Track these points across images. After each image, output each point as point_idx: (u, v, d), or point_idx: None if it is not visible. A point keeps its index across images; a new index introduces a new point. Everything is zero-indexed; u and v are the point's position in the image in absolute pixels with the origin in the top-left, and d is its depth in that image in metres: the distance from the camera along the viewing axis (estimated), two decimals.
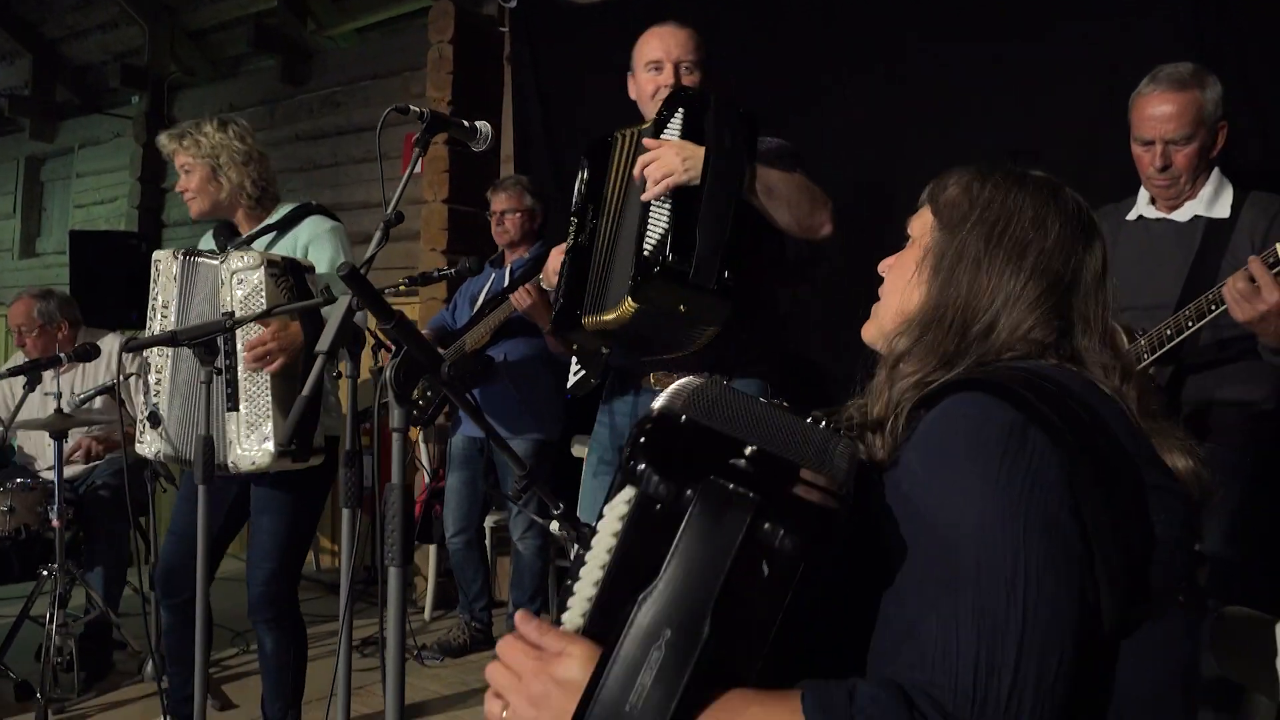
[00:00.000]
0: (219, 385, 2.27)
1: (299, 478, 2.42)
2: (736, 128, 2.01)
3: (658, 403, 0.95)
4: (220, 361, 2.07)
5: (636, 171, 2.01)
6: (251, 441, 2.26)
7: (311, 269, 2.40)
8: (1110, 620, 0.84)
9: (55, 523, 3.12)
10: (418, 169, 4.53)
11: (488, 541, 3.91)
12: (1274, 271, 1.80)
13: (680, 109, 2.07)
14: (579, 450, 3.63)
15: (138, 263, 6.10)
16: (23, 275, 7.90)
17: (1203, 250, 2.08)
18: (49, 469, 3.23)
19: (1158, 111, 2.06)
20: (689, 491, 0.85)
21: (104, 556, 3.43)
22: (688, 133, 2.01)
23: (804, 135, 3.24)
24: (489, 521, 3.88)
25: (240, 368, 2.29)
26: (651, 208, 2.00)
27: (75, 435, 3.48)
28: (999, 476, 0.84)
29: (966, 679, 0.79)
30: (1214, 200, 2.11)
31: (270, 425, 2.25)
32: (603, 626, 0.87)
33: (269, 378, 2.27)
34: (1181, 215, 2.15)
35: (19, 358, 3.85)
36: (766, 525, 0.83)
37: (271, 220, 2.57)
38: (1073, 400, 0.92)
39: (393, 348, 1.32)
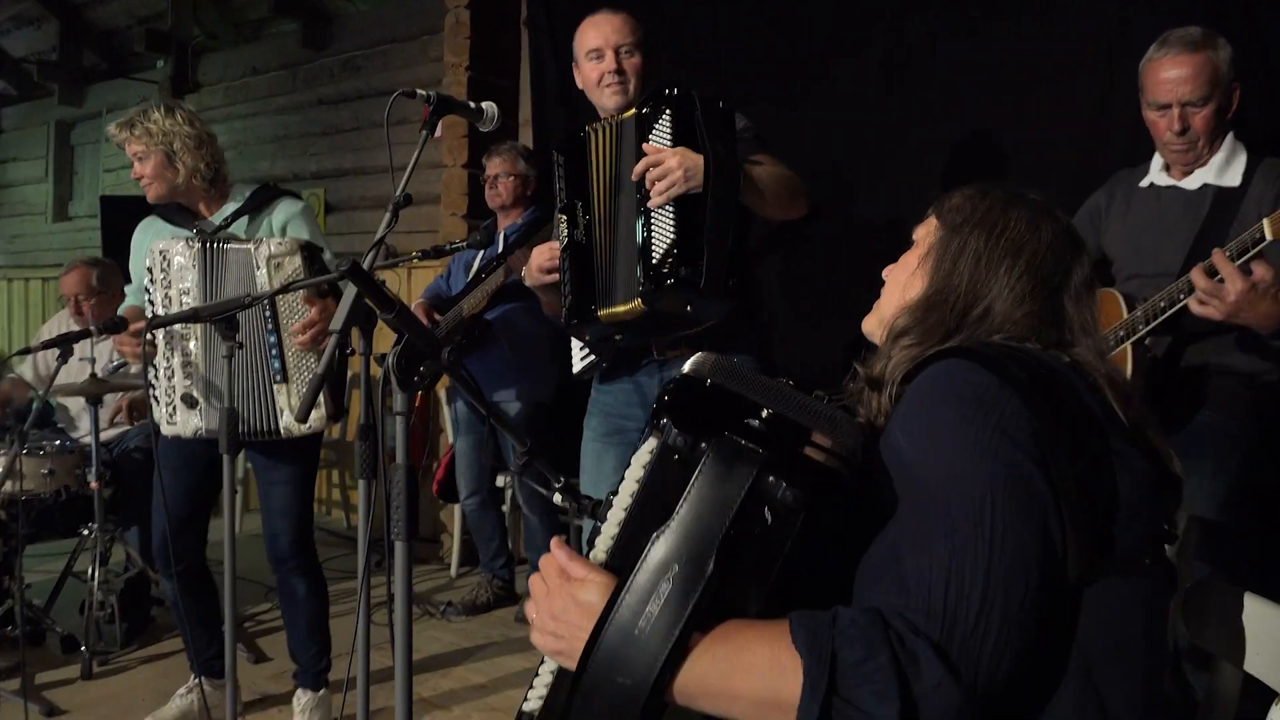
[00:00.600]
0: (264, 358, 2.43)
1: (299, 439, 2.55)
2: (724, 130, 2.09)
3: (686, 366, 1.06)
4: (240, 337, 2.16)
5: (636, 172, 2.08)
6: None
7: (323, 249, 2.51)
8: (1076, 567, 0.91)
9: (93, 485, 3.24)
10: (436, 136, 4.58)
11: (506, 502, 4.00)
12: (1238, 262, 1.79)
13: (667, 109, 2.12)
14: None
15: None
16: (56, 238, 8.07)
17: (1209, 219, 2.06)
18: (87, 435, 3.35)
19: (1172, 74, 2.03)
20: (704, 444, 0.95)
21: (140, 516, 3.56)
22: (680, 136, 2.08)
23: (802, 116, 3.28)
24: (504, 481, 3.97)
25: (286, 343, 2.43)
26: (654, 212, 2.08)
27: (113, 398, 3.60)
28: (971, 427, 0.93)
29: (938, 602, 0.87)
30: (1225, 167, 2.08)
31: (321, 395, 2.40)
32: (622, 561, 0.99)
33: (315, 352, 2.43)
34: (1191, 183, 2.12)
35: (60, 319, 3.98)
36: (771, 478, 0.92)
37: (238, 203, 2.63)
38: (1047, 372, 1.00)
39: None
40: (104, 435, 3.51)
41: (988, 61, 2.96)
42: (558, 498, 1.47)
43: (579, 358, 2.47)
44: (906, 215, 1.29)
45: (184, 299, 2.48)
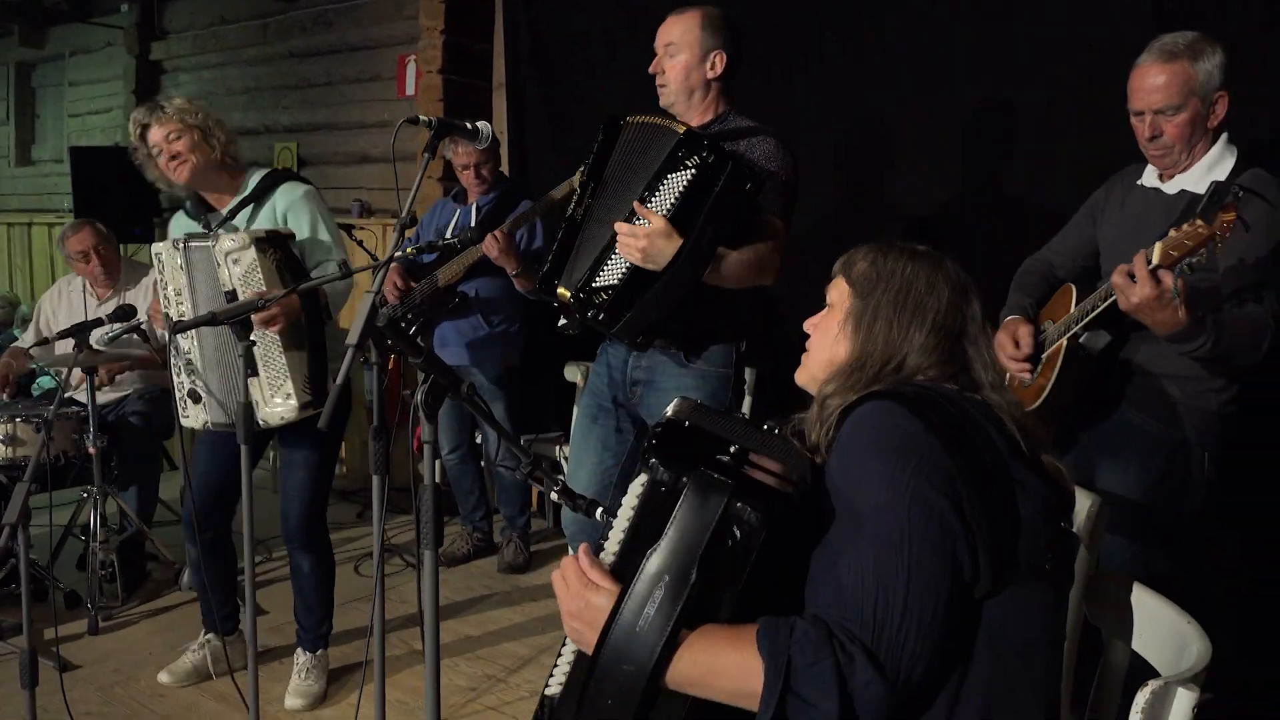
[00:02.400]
0: (234, 354, 2.51)
1: (318, 430, 2.68)
2: (729, 211, 2.19)
3: (669, 411, 1.36)
4: (254, 334, 2.29)
5: (616, 226, 2.22)
6: (277, 400, 2.57)
7: (293, 236, 2.60)
8: (986, 583, 1.14)
9: (91, 450, 3.39)
10: (411, 94, 4.64)
11: (485, 457, 4.19)
12: (1151, 268, 1.89)
13: (693, 169, 2.16)
14: (571, 374, 3.91)
15: (139, 178, 6.23)
16: (21, 183, 8.01)
17: (1177, 225, 2.04)
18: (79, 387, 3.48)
19: (1146, 83, 2.08)
20: (684, 479, 1.20)
21: (137, 477, 3.73)
22: (679, 208, 2.16)
23: (800, 86, 3.44)
24: (483, 437, 4.17)
25: (255, 337, 2.51)
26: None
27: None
28: (896, 471, 1.14)
29: (869, 613, 1.10)
30: (1206, 174, 2.10)
31: (290, 384, 2.55)
32: (623, 569, 1.24)
33: (280, 345, 2.53)
34: (1170, 188, 2.17)
35: (61, 288, 4.09)
36: (739, 504, 1.17)
37: (246, 190, 2.73)
38: (961, 415, 1.22)
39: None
40: (102, 399, 3.66)
41: (971, 30, 3.13)
42: (554, 496, 1.68)
43: (560, 320, 2.62)
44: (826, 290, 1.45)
45: (178, 300, 2.60)
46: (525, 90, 4.51)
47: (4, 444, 3.42)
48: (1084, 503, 1.81)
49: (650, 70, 2.44)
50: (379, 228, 5.11)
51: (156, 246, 2.62)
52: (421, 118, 1.91)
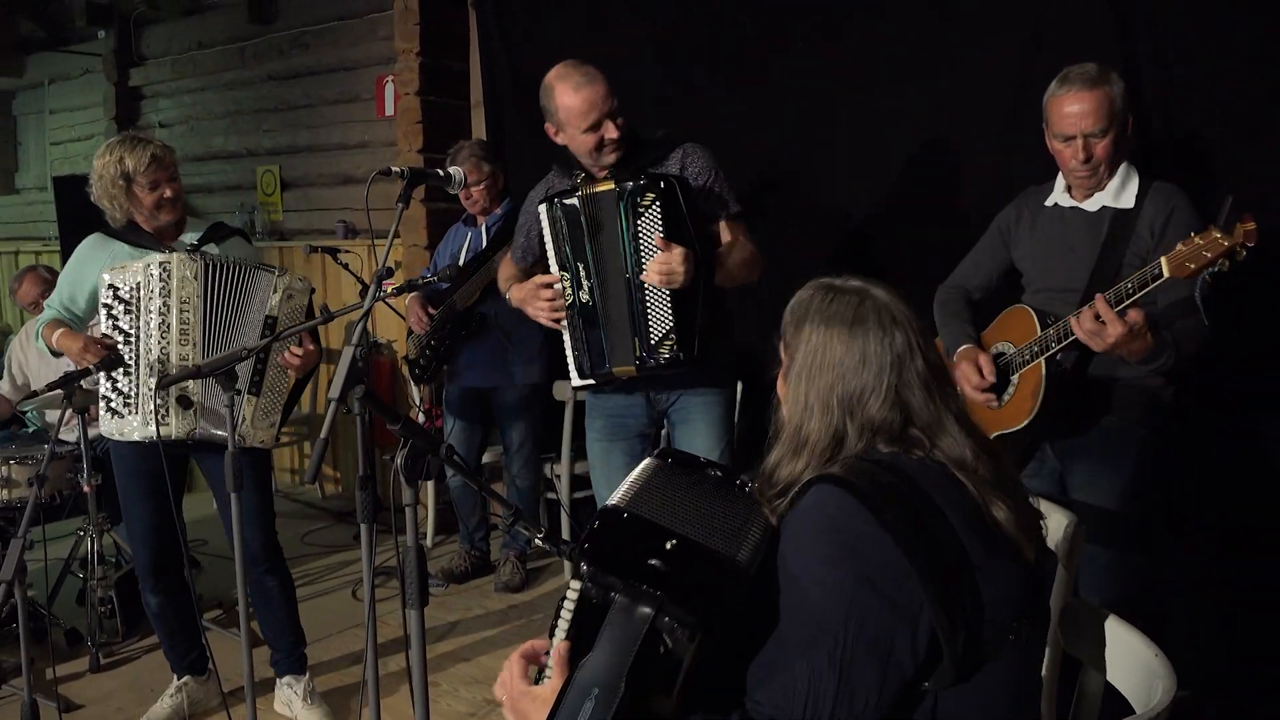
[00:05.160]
0: (246, 370, 2.63)
1: (257, 450, 2.77)
2: (697, 215, 2.46)
3: (611, 500, 1.31)
4: (240, 384, 2.32)
5: (650, 271, 2.39)
6: (263, 425, 2.71)
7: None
8: (950, 672, 1.14)
9: (86, 488, 3.42)
10: (390, 115, 4.66)
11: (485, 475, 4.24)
12: (1118, 308, 2.03)
13: (656, 199, 2.39)
14: (560, 393, 3.95)
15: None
16: (6, 211, 8.02)
17: (1109, 239, 2.27)
18: (68, 431, 3.52)
19: (1075, 109, 2.22)
20: (613, 594, 1.19)
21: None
22: (670, 227, 2.39)
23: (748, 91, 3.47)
24: (485, 458, 4.21)
25: (270, 362, 2.67)
26: (648, 291, 2.43)
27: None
28: (839, 570, 1.13)
29: (798, 715, 1.11)
30: (1121, 190, 2.29)
31: (278, 416, 2.71)
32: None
33: (290, 381, 2.71)
34: (1091, 205, 2.32)
35: (29, 333, 4.11)
36: (667, 618, 1.15)
37: (193, 233, 2.79)
38: (919, 499, 1.18)
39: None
40: (91, 433, 3.66)
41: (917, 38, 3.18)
42: (539, 542, 1.71)
43: (577, 379, 2.64)
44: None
45: (184, 310, 2.58)
46: (503, 108, 4.54)
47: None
48: (1060, 521, 1.85)
49: (607, 138, 2.48)
50: (363, 249, 5.13)
51: (160, 257, 2.59)
52: (394, 169, 1.94)
